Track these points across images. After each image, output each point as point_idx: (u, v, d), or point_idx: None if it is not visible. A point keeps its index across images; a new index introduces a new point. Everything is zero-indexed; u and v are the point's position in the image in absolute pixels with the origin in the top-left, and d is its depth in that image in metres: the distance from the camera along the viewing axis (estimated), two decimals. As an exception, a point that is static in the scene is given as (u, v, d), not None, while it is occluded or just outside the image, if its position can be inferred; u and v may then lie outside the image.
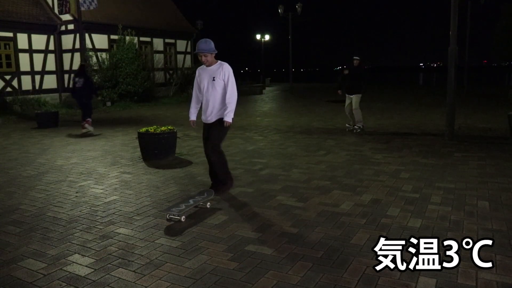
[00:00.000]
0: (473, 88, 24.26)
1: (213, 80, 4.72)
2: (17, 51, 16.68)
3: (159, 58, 22.03)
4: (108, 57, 17.95)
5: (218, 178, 4.98)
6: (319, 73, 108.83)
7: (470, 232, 3.70)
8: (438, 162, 6.42)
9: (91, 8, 12.61)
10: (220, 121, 4.78)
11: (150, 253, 3.40)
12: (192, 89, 5.11)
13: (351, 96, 9.52)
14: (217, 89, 4.72)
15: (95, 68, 17.64)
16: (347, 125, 10.03)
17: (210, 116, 4.81)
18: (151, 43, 21.57)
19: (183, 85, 21.97)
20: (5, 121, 12.91)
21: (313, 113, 13.76)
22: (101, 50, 18.60)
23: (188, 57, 24.24)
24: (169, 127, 7.13)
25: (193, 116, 5.06)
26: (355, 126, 9.55)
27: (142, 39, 20.82)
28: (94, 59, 17.90)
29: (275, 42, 51.52)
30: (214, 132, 4.82)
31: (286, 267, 3.11)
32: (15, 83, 16.63)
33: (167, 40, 22.61)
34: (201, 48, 4.61)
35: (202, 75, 4.83)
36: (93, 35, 18.51)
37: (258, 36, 35.88)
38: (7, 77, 16.40)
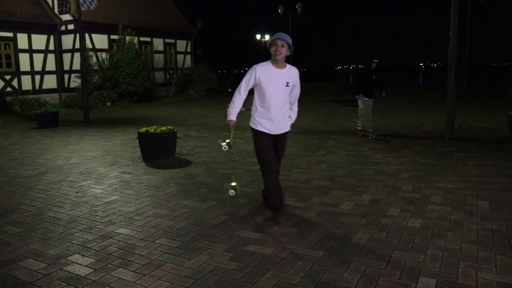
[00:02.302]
0: (473, 88, 24.26)
1: (287, 85, 4.09)
2: (17, 51, 16.67)
3: (159, 58, 22.02)
4: (108, 57, 17.95)
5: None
6: (319, 73, 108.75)
7: (470, 232, 3.70)
8: (438, 162, 6.42)
9: (91, 8, 12.58)
10: (288, 133, 4.33)
11: (150, 253, 3.40)
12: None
13: (371, 100, 8.73)
14: (289, 95, 4.19)
15: (95, 68, 17.65)
16: (361, 128, 9.02)
17: (281, 126, 4.18)
18: (151, 43, 21.57)
19: (183, 85, 21.95)
20: (5, 121, 12.91)
21: (313, 113, 13.75)
22: (101, 50, 18.59)
23: (188, 57, 24.22)
24: (169, 127, 7.13)
25: (233, 116, 4.16)
26: (371, 131, 8.82)
27: (142, 39, 20.81)
28: (94, 59, 17.90)
29: (275, 42, 51.36)
30: (283, 149, 4.34)
31: (286, 267, 3.11)
32: (15, 83, 16.63)
33: (167, 40, 22.60)
34: (283, 37, 3.96)
35: (269, 76, 4.04)
36: (93, 35, 18.50)
37: (258, 36, 35.88)
38: (7, 77, 16.39)
